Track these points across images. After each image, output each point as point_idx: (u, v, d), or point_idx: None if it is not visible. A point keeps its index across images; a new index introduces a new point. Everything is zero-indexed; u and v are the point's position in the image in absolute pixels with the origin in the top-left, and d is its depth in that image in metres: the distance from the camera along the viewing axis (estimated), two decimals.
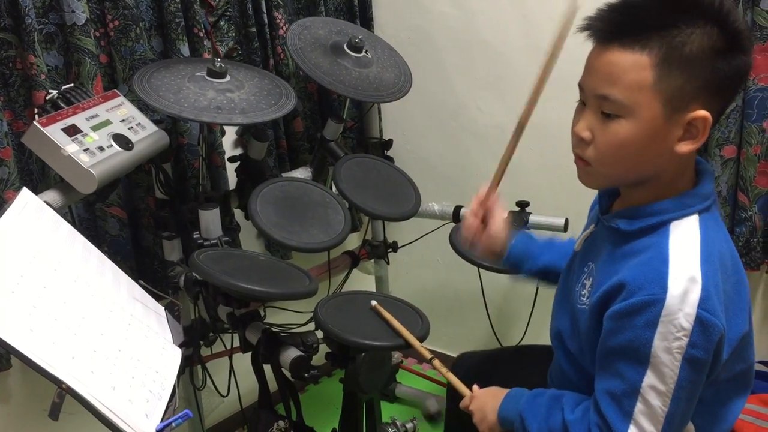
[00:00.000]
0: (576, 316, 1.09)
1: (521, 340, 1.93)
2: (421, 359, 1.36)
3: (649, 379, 0.95)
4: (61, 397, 0.84)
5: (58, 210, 1.26)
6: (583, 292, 1.08)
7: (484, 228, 1.26)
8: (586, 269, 1.10)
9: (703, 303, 0.92)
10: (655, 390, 0.94)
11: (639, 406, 0.96)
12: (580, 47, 1.01)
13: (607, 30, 0.95)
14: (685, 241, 0.97)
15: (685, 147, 0.97)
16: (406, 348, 1.35)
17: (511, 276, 1.38)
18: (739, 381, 1.09)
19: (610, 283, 0.98)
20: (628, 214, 1.02)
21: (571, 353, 1.13)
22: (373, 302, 1.42)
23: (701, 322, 0.92)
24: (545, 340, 1.27)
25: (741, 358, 1.06)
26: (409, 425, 1.98)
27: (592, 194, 1.22)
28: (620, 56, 0.94)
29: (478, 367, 1.45)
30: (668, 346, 0.92)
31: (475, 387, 1.20)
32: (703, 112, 0.94)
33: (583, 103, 1.02)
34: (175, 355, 1.07)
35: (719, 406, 1.08)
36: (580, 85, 1.01)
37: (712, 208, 1.02)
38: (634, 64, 0.93)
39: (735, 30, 0.93)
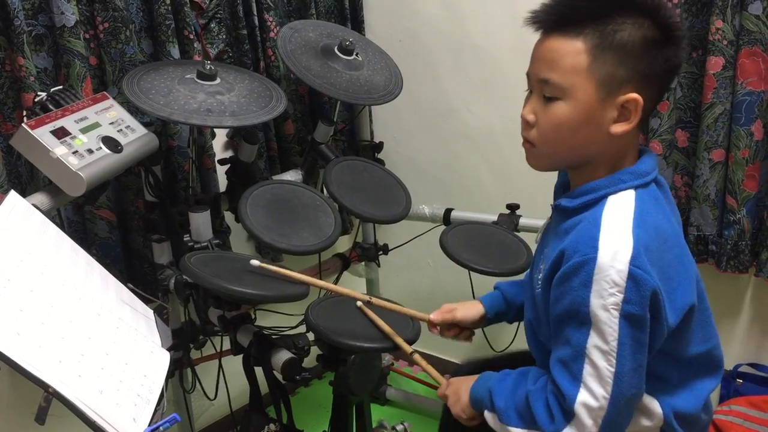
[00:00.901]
0: (536, 302, 1.14)
1: (511, 342, 1.93)
2: (403, 356, 1.40)
3: (592, 339, 0.99)
4: (48, 401, 0.84)
5: (46, 213, 1.26)
6: (539, 277, 1.13)
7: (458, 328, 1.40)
8: (541, 256, 1.16)
9: (634, 260, 0.97)
10: (599, 350, 0.99)
11: (586, 368, 1.00)
12: None
13: (549, 20, 1.04)
14: (618, 210, 1.03)
15: (619, 128, 1.03)
16: (395, 349, 1.35)
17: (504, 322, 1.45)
18: (704, 363, 1.13)
19: (554, 256, 1.05)
20: (570, 194, 1.10)
21: (541, 342, 1.18)
22: (359, 302, 1.42)
23: (633, 278, 0.96)
24: None
25: (701, 337, 1.10)
26: (399, 427, 1.97)
27: None
28: (559, 43, 1.02)
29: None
30: (604, 303, 0.97)
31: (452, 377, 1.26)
32: (634, 95, 1.01)
33: (531, 91, 1.09)
34: (164, 359, 1.07)
35: (685, 388, 1.12)
36: (527, 74, 1.09)
37: (650, 186, 1.07)
38: (570, 50, 1.01)
39: (667, 23, 1.01)
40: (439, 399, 1.31)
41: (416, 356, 1.32)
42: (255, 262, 1.38)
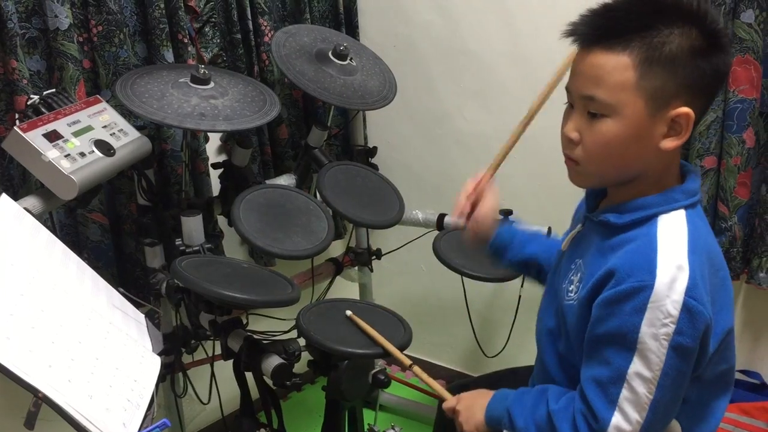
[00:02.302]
0: (563, 313, 1.11)
1: (504, 347, 1.94)
2: (400, 366, 1.36)
3: (636, 365, 0.96)
4: (38, 405, 0.83)
5: (38, 216, 1.25)
6: (570, 288, 1.09)
7: (472, 212, 1.26)
8: (573, 266, 1.11)
9: (690, 291, 0.94)
10: (641, 377, 0.96)
11: (624, 393, 0.97)
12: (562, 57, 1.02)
13: (590, 34, 0.99)
14: (672, 232, 0.99)
15: (669, 143, 0.99)
16: (389, 356, 1.35)
17: (493, 263, 1.38)
18: (722, 381, 1.11)
19: (600, 273, 1.00)
20: (617, 209, 1.05)
21: (561, 353, 1.14)
22: (348, 312, 1.41)
23: (688, 310, 0.93)
24: (528, 347, 1.27)
25: (724, 357, 1.08)
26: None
27: (575, 202, 1.23)
28: (603, 58, 0.97)
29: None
30: (655, 332, 0.94)
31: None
32: (685, 109, 0.97)
33: (571, 106, 1.04)
34: (154, 364, 1.06)
35: (703, 407, 1.10)
36: (567, 88, 1.04)
37: (697, 205, 1.05)
38: (616, 65, 0.96)
39: (713, 30, 0.96)
40: (432, 404, 1.29)
41: (416, 369, 1.29)
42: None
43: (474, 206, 1.26)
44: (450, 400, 1.21)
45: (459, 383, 1.44)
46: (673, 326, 0.94)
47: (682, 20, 0.95)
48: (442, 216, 1.99)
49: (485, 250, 1.34)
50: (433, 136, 2.28)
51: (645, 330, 0.95)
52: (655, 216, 1.01)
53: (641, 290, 0.95)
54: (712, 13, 0.97)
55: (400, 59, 2.20)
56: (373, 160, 2.12)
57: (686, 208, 1.02)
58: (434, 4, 2.14)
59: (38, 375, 0.84)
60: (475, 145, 2.18)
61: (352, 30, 2.25)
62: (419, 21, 2.19)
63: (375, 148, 2.14)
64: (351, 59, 1.87)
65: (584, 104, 1.00)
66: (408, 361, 1.29)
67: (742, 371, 1.87)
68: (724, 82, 1.05)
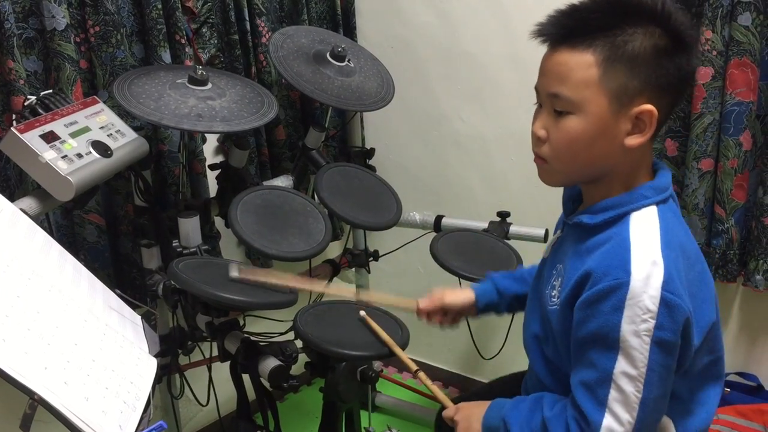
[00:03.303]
0: (548, 318, 1.12)
1: (501, 349, 1.93)
2: (406, 370, 1.36)
3: (621, 364, 0.97)
4: (33, 408, 0.83)
5: (34, 217, 1.25)
6: (553, 294, 1.11)
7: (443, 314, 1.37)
8: (554, 271, 1.13)
9: (667, 285, 0.95)
10: (627, 375, 0.97)
11: (612, 394, 0.98)
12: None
13: (556, 33, 1.01)
14: (645, 229, 1.01)
15: (634, 141, 1.01)
16: (386, 357, 1.35)
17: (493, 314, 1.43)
18: (711, 373, 1.12)
19: (577, 275, 1.02)
20: (589, 210, 1.07)
21: (548, 358, 1.15)
22: (362, 312, 1.41)
23: (666, 304, 0.95)
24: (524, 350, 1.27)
25: (710, 349, 1.09)
26: None
27: None
28: (568, 56, 1.00)
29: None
30: (636, 329, 0.95)
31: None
32: (648, 106, 0.99)
33: (540, 105, 1.07)
34: (151, 366, 1.06)
35: (694, 400, 1.11)
36: (536, 88, 1.07)
37: (669, 201, 1.06)
38: (580, 63, 0.99)
39: (677, 30, 0.98)
40: (429, 405, 1.30)
41: (421, 374, 1.29)
42: (234, 274, 1.36)
43: (439, 307, 1.36)
44: (449, 410, 1.22)
45: (467, 395, 1.46)
46: (653, 321, 0.95)
47: (646, 20, 0.98)
48: (439, 217, 1.99)
49: (478, 318, 1.41)
50: (430, 137, 2.28)
51: (626, 328, 0.95)
52: (627, 214, 1.03)
53: (618, 288, 0.96)
54: (677, 14, 0.99)
55: (398, 61, 2.20)
56: (371, 162, 2.12)
57: (657, 204, 1.03)
58: (432, 6, 2.14)
59: (34, 377, 0.83)
60: (473, 146, 2.18)
61: (350, 31, 2.25)
62: (417, 23, 2.19)
63: (372, 150, 2.14)
64: (349, 60, 1.87)
65: (551, 102, 1.03)
66: (414, 366, 1.29)
67: (739, 373, 1.87)
68: (689, 81, 1.07)
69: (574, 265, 1.05)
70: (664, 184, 1.06)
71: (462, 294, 1.37)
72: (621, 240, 1.00)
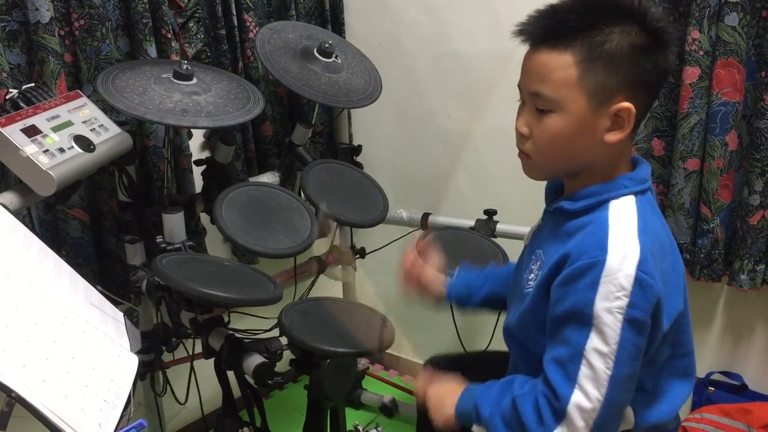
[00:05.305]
0: (523, 300, 1.13)
1: (487, 346, 1.93)
2: (379, 360, 1.35)
3: (593, 341, 0.99)
4: (11, 405, 0.82)
5: (15, 212, 1.23)
6: (530, 277, 1.13)
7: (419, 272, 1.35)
8: (533, 256, 1.15)
9: (642, 265, 0.97)
10: (598, 352, 0.98)
11: (583, 370, 0.99)
12: None
13: (536, 34, 1.04)
14: (623, 215, 1.04)
15: (613, 137, 1.04)
16: (369, 355, 1.35)
17: (458, 309, 1.42)
18: (678, 367, 1.14)
19: (556, 257, 1.04)
20: (570, 197, 1.09)
21: (523, 345, 1.17)
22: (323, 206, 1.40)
23: (640, 283, 0.97)
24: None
25: (678, 342, 1.11)
26: (372, 431, 1.97)
27: None
28: (548, 57, 1.02)
29: (448, 369, 1.46)
30: (609, 306, 0.97)
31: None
32: (626, 104, 1.02)
33: (523, 102, 1.09)
34: (131, 363, 1.05)
35: (657, 393, 1.12)
36: (519, 86, 1.09)
37: (647, 193, 1.09)
38: (559, 63, 1.01)
39: (654, 28, 1.01)
40: (413, 403, 1.28)
41: None
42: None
43: (419, 272, 1.34)
44: (421, 379, 1.22)
45: (436, 359, 1.45)
46: (626, 299, 0.97)
47: (623, 18, 1.00)
48: (426, 215, 1.99)
49: (442, 304, 1.39)
50: (418, 134, 2.27)
51: (599, 304, 0.98)
52: (606, 201, 1.05)
53: (594, 266, 0.98)
54: (654, 12, 1.01)
55: (386, 57, 2.20)
56: (358, 159, 2.12)
57: (636, 194, 1.06)
58: (421, 3, 2.14)
59: (12, 374, 0.82)
60: (460, 143, 2.17)
61: (338, 27, 2.24)
62: (405, 19, 2.18)
63: (360, 147, 2.13)
64: (336, 57, 1.86)
65: (532, 100, 1.06)
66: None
67: (723, 372, 1.88)
68: (666, 78, 1.10)
69: (554, 247, 1.08)
70: (642, 176, 1.09)
71: (437, 281, 1.36)
72: (600, 224, 1.03)
